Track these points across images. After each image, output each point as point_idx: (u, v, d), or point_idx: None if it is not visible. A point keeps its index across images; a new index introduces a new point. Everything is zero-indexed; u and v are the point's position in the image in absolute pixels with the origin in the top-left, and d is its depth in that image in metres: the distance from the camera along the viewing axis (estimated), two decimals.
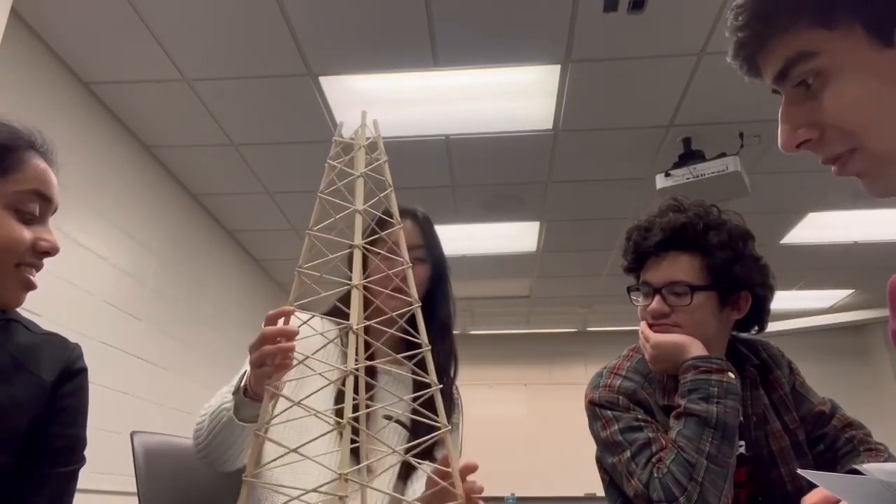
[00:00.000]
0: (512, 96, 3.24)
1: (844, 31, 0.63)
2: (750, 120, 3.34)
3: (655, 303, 1.29)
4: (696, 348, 1.25)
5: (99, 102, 3.20)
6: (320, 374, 1.13)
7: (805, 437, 1.32)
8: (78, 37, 2.77)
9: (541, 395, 7.47)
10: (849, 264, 5.35)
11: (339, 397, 1.11)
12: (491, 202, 4.37)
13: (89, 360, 1.09)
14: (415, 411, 0.78)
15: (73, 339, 1.09)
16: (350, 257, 0.77)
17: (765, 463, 1.27)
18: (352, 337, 0.70)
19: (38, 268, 0.99)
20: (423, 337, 0.75)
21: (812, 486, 1.10)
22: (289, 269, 5.12)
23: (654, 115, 3.39)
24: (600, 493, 1.35)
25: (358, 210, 0.75)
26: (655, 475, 1.15)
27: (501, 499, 5.52)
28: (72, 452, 1.02)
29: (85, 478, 1.05)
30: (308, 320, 1.01)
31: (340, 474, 0.64)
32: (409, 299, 0.77)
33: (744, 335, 1.41)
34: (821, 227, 4.66)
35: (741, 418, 1.24)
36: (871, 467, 0.64)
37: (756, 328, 1.37)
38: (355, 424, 0.69)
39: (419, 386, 0.76)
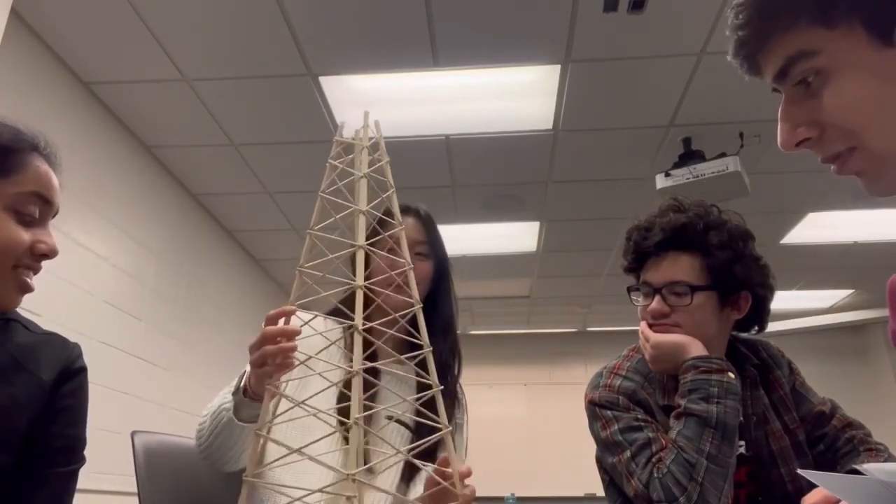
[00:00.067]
0: (512, 96, 3.24)
1: (845, 31, 0.63)
2: (750, 120, 3.34)
3: (655, 303, 1.29)
4: (696, 348, 1.25)
5: (99, 102, 3.20)
6: (320, 373, 1.13)
7: (805, 437, 1.32)
8: (78, 37, 2.77)
9: (541, 395, 7.47)
10: (849, 264, 5.35)
11: (341, 397, 1.11)
12: (491, 202, 4.37)
13: (89, 360, 1.09)
14: (418, 412, 0.78)
15: (73, 339, 1.09)
16: (352, 257, 0.77)
17: (765, 463, 1.27)
18: (357, 337, 0.70)
19: (36, 270, 0.99)
20: (425, 337, 0.75)
21: (812, 486, 1.10)
22: (289, 269, 5.12)
23: (654, 115, 3.39)
24: (600, 493, 1.35)
25: (361, 210, 0.75)
26: (655, 475, 1.15)
27: (501, 499, 5.52)
28: (72, 452, 1.02)
29: (85, 478, 1.05)
30: (310, 321, 1.01)
31: (349, 474, 0.64)
32: (412, 297, 0.77)
33: (744, 335, 1.41)
34: (821, 227, 4.66)
35: (741, 418, 1.24)
36: (871, 467, 0.64)
37: (756, 328, 1.37)
38: (363, 426, 0.68)
39: (423, 387, 0.76)
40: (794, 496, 1.20)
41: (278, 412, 0.78)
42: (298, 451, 0.70)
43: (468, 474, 0.94)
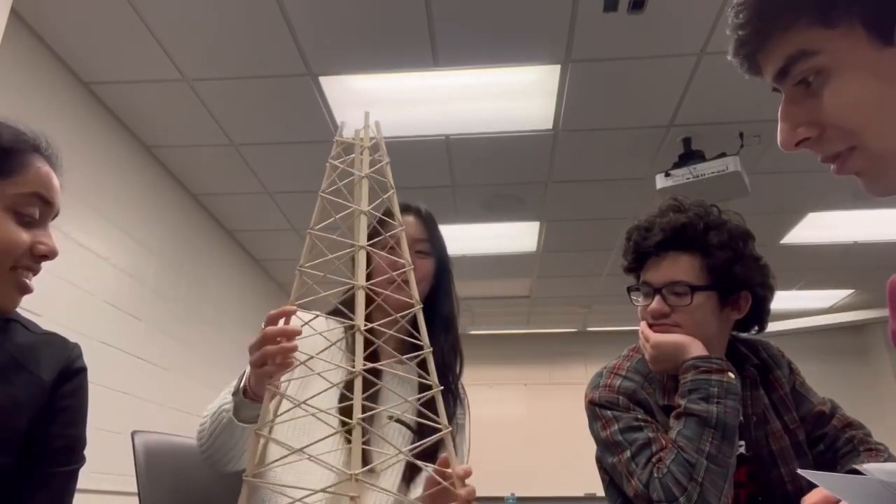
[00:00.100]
0: (512, 96, 3.24)
1: (845, 30, 0.63)
2: (750, 120, 3.34)
3: (655, 303, 1.29)
4: (696, 348, 1.25)
5: (99, 102, 3.20)
6: (320, 374, 1.13)
7: (805, 437, 1.32)
8: (78, 37, 2.77)
9: (541, 395, 7.47)
10: (849, 264, 5.35)
11: (342, 398, 1.11)
12: (491, 202, 4.37)
13: (89, 360, 1.09)
14: (419, 413, 0.78)
15: (73, 339, 1.09)
16: (353, 258, 0.77)
17: (765, 463, 1.27)
18: (358, 337, 0.70)
19: (35, 271, 0.98)
20: (425, 338, 0.75)
21: (812, 486, 1.10)
22: (289, 269, 5.12)
23: (654, 115, 3.39)
24: (600, 493, 1.35)
25: (364, 211, 0.75)
26: (655, 475, 1.15)
27: (501, 499, 5.52)
28: (72, 452, 1.02)
29: (85, 478, 1.05)
30: (311, 321, 1.01)
31: (352, 475, 0.64)
32: (413, 297, 0.77)
33: (744, 335, 1.41)
34: (821, 227, 4.66)
35: (741, 418, 1.24)
36: (871, 467, 0.64)
37: (756, 328, 1.37)
38: (365, 426, 0.68)
39: (424, 387, 0.76)
40: (794, 496, 1.20)
41: (280, 412, 0.78)
42: (300, 451, 0.70)
43: (468, 474, 0.94)
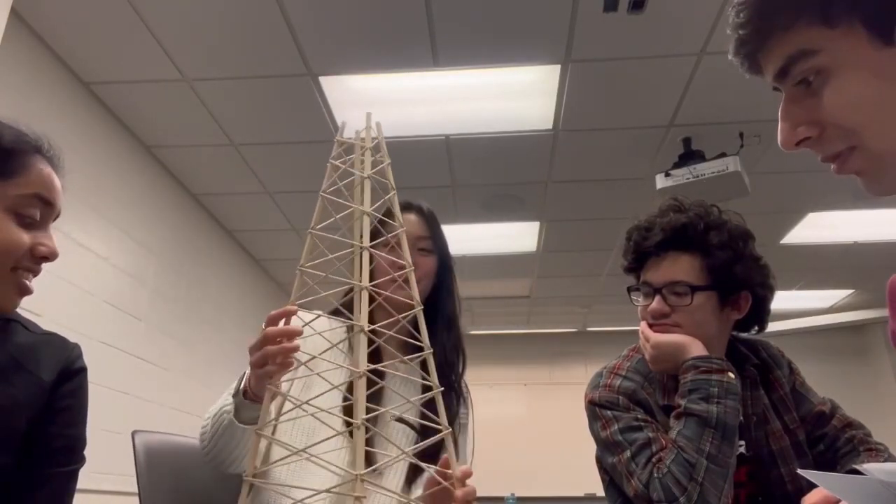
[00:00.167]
0: (512, 96, 3.24)
1: (845, 30, 0.63)
2: (750, 120, 3.34)
3: (656, 303, 1.29)
4: (696, 348, 1.25)
5: (99, 102, 3.20)
6: (319, 374, 1.13)
7: (805, 437, 1.31)
8: (78, 37, 2.77)
9: (541, 395, 7.47)
10: (849, 264, 5.35)
11: (345, 398, 1.11)
12: (491, 202, 4.37)
13: (89, 360, 1.09)
14: (423, 414, 0.78)
15: (73, 339, 1.09)
16: (355, 258, 0.77)
17: (765, 463, 1.27)
18: (361, 337, 0.70)
19: (36, 272, 0.98)
20: (426, 339, 0.75)
21: (812, 486, 1.10)
22: (289, 269, 5.12)
23: (654, 115, 3.38)
24: (600, 493, 1.35)
25: (366, 212, 0.75)
26: (655, 475, 1.15)
27: (501, 499, 5.52)
28: (72, 452, 1.02)
29: (85, 478, 1.05)
30: (311, 321, 1.01)
31: (357, 475, 0.64)
32: (414, 298, 0.77)
33: (744, 335, 1.41)
34: (821, 227, 4.66)
35: (741, 418, 1.24)
36: (871, 467, 0.64)
37: (756, 328, 1.37)
38: (370, 426, 0.68)
39: (427, 387, 0.76)
40: (794, 496, 1.20)
41: (282, 412, 0.78)
42: (302, 451, 0.70)
43: (468, 475, 0.94)
